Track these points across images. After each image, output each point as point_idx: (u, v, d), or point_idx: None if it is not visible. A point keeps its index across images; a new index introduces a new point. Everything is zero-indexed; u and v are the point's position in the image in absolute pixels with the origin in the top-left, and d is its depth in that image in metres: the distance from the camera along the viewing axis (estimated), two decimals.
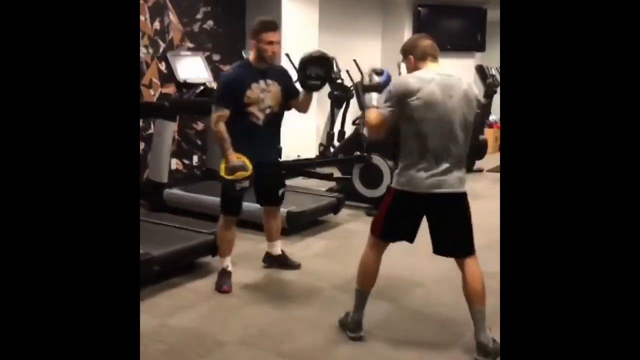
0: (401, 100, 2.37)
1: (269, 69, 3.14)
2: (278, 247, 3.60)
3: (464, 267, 2.49)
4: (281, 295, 3.25)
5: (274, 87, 3.15)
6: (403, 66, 2.57)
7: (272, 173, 3.34)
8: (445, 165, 2.38)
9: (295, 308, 3.05)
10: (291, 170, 6.17)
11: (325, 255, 3.96)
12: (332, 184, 5.60)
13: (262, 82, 3.10)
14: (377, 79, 2.62)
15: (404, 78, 2.44)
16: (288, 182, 6.18)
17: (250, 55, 3.18)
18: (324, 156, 5.88)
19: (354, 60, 6.24)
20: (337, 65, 6.40)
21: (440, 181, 2.38)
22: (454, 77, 2.44)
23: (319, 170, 5.91)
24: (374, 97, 2.59)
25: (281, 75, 3.22)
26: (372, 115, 2.48)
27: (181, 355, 2.51)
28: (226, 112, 3.02)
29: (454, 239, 2.50)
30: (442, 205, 2.44)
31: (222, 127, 3.01)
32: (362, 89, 2.66)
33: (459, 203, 2.47)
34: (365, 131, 2.66)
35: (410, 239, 2.55)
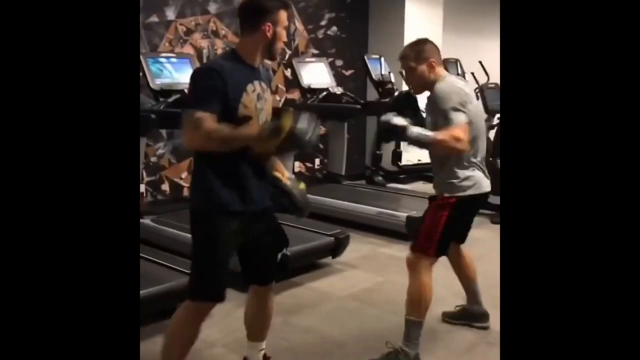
0: (466, 106, 2.29)
1: (257, 67, 2.02)
2: (261, 352, 2.25)
3: (463, 251, 2.75)
4: (401, 301, 3.20)
5: (268, 94, 2.04)
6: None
7: (268, 227, 2.08)
8: (484, 164, 2.47)
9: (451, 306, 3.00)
10: (412, 175, 6.11)
11: (446, 261, 3.85)
12: None
13: (257, 83, 1.96)
14: (399, 122, 2.33)
15: (456, 85, 2.36)
16: (408, 186, 6.19)
17: (240, 45, 2.02)
18: None
19: (480, 62, 6.02)
20: (461, 67, 6.23)
21: (487, 178, 2.46)
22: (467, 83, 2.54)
23: None
24: (415, 130, 2.33)
25: (268, 78, 2.11)
26: (449, 138, 2.25)
27: (301, 353, 2.57)
28: (213, 116, 1.82)
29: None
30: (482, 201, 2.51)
31: (212, 126, 1.81)
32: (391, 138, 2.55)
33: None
34: (451, 149, 2.31)
35: (463, 239, 2.67)
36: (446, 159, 2.38)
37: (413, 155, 6.16)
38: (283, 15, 1.96)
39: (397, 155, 5.97)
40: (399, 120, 2.30)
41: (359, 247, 4.01)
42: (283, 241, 2.13)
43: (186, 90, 3.85)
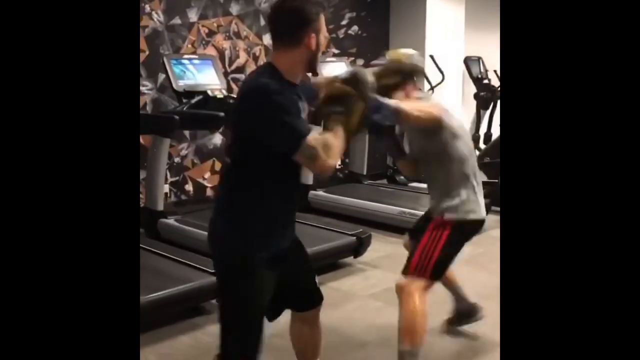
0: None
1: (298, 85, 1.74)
2: None
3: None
4: None
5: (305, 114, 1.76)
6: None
7: (299, 254, 1.91)
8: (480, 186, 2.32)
9: (437, 314, 2.99)
10: None
11: (469, 262, 3.82)
12: None
13: (302, 104, 1.70)
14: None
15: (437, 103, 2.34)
16: None
17: (279, 59, 1.69)
18: None
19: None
20: (483, 65, 6.17)
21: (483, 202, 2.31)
22: None
23: None
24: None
25: (311, 94, 1.81)
26: (433, 109, 2.26)
27: (323, 353, 2.58)
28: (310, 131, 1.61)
29: None
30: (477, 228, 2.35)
31: (324, 141, 1.59)
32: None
33: None
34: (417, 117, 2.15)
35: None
36: (450, 174, 2.25)
37: None
38: (323, 20, 1.68)
39: None
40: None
41: (380, 246, 4.01)
42: (311, 265, 1.98)
43: (209, 92, 3.85)
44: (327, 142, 1.58)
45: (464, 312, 2.73)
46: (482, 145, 5.95)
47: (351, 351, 2.60)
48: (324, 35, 1.70)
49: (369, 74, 1.76)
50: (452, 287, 2.71)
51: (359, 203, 4.65)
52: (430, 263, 2.22)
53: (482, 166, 5.62)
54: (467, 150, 2.25)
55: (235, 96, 3.32)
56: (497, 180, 5.02)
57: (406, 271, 2.26)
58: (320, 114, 1.70)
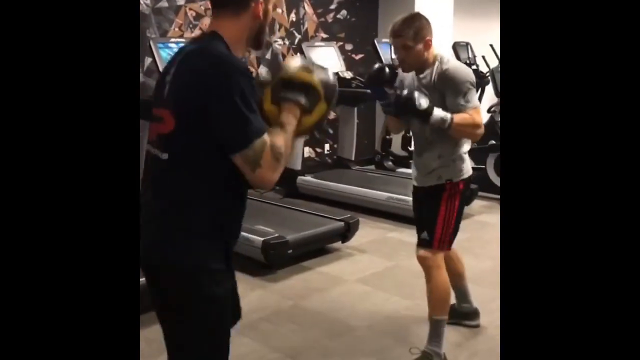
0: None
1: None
2: None
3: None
4: (411, 285, 3.23)
5: None
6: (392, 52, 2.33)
7: None
8: None
9: (425, 298, 3.02)
10: None
11: (457, 247, 3.86)
12: None
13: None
14: (425, 104, 2.14)
15: (464, 66, 2.29)
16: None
17: (224, 28, 1.39)
18: None
19: (490, 45, 5.96)
20: (472, 51, 6.17)
21: None
22: None
23: None
24: (439, 114, 2.17)
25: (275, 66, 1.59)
26: (475, 119, 2.21)
27: (311, 337, 2.60)
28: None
29: None
30: None
31: (278, 142, 1.32)
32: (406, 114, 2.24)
33: None
34: (471, 134, 2.24)
35: None
36: (449, 137, 2.23)
37: None
38: None
39: (406, 140, 5.96)
40: (424, 102, 2.13)
41: (368, 231, 4.03)
42: None
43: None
44: (278, 150, 1.31)
45: (462, 312, 2.71)
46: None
47: (339, 335, 2.62)
48: (272, 4, 1.46)
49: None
50: (459, 285, 2.66)
51: (347, 189, 4.66)
52: (448, 233, 2.31)
53: (470, 152, 5.67)
54: None
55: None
56: (483, 166, 5.06)
57: (428, 245, 2.31)
58: (272, 95, 1.40)
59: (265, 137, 1.30)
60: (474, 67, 5.74)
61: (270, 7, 1.43)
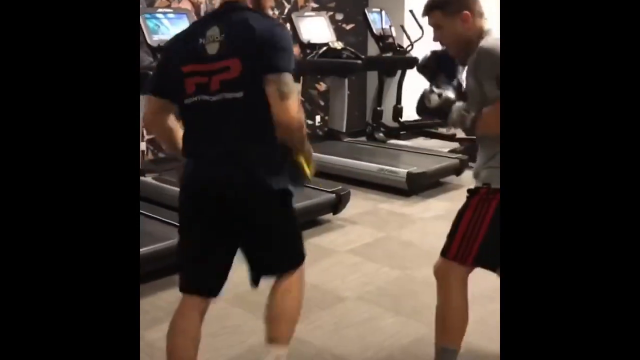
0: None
1: None
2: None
3: None
4: (401, 255, 3.26)
5: None
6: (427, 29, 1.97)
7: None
8: None
9: (415, 268, 3.05)
10: (412, 131, 6.09)
11: (446, 217, 3.86)
12: (456, 145, 5.43)
13: None
14: (436, 99, 1.91)
15: (497, 47, 1.63)
16: (409, 142, 6.16)
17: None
18: None
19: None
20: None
21: None
22: None
23: (441, 130, 5.76)
24: (459, 106, 1.88)
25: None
26: (491, 119, 1.70)
27: (303, 307, 2.63)
28: None
29: None
30: None
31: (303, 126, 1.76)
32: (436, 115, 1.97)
33: None
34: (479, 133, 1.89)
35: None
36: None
37: (414, 112, 6.13)
38: None
39: (398, 112, 5.94)
40: (435, 98, 1.88)
41: (359, 203, 4.05)
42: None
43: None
44: (300, 106, 1.69)
45: None
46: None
47: (330, 305, 2.65)
48: None
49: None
50: None
51: (338, 160, 4.65)
52: (475, 244, 1.84)
53: None
54: None
55: None
56: (474, 137, 5.06)
57: (446, 254, 1.90)
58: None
59: (294, 84, 1.66)
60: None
61: None
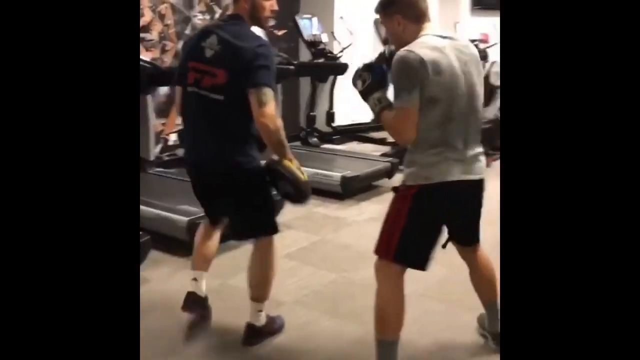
0: (420, 79, 1.81)
1: None
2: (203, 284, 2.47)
3: (476, 256, 2.20)
4: (337, 258, 3.30)
5: None
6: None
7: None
8: (476, 148, 1.98)
9: (351, 270, 3.10)
10: (346, 136, 6.18)
11: (379, 219, 3.91)
12: (387, 148, 5.56)
13: None
14: (369, 77, 2.00)
15: (409, 52, 1.82)
16: (343, 146, 6.26)
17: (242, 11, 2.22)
18: (378, 121, 5.82)
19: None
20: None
21: (471, 167, 1.96)
22: (460, 40, 1.99)
23: (373, 135, 5.88)
24: (380, 96, 1.99)
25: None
26: (391, 118, 1.91)
27: (242, 314, 2.61)
28: None
29: (473, 227, 2.15)
30: (468, 195, 2.01)
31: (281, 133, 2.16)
32: (360, 95, 2.04)
33: (482, 191, 2.06)
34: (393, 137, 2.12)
35: (467, 241, 2.17)
36: (420, 136, 1.91)
37: (346, 116, 6.22)
38: None
39: (330, 117, 6.01)
40: (360, 84, 2.01)
41: (294, 207, 4.05)
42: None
43: None
44: (276, 114, 2.11)
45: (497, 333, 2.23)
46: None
47: (268, 310, 2.64)
48: None
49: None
50: (487, 305, 2.28)
51: None
52: (393, 242, 1.94)
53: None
54: (453, 111, 1.88)
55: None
56: None
57: (375, 251, 2.02)
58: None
59: (272, 94, 2.07)
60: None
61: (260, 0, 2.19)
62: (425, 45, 1.86)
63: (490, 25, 5.90)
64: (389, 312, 2.00)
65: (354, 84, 2.07)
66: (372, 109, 2.02)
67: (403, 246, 1.94)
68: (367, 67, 2.05)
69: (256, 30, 2.25)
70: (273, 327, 2.43)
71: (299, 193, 2.20)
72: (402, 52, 1.86)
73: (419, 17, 1.94)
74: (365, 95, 2.02)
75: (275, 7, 2.24)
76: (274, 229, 2.33)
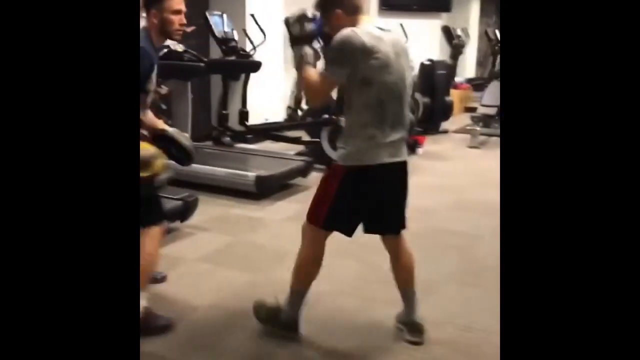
0: (355, 59, 2.00)
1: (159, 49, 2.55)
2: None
3: (399, 244, 2.32)
4: (253, 259, 3.26)
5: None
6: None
7: None
8: (402, 132, 2.15)
9: (268, 270, 3.07)
10: (259, 134, 6.13)
11: (295, 218, 3.96)
12: (301, 147, 5.58)
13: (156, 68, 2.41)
14: (309, 26, 2.18)
15: (353, 33, 2.01)
16: (256, 145, 6.21)
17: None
18: (292, 120, 5.83)
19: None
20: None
21: (397, 150, 2.14)
22: (394, 32, 2.17)
23: (287, 134, 5.88)
24: (308, 52, 2.16)
25: None
26: (313, 78, 2.11)
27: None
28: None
29: (398, 214, 2.29)
30: (394, 176, 2.19)
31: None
32: (291, 40, 2.19)
33: (406, 173, 2.25)
34: (307, 93, 2.27)
35: (384, 229, 2.31)
36: (346, 119, 2.16)
37: (260, 114, 6.18)
38: (170, 2, 2.26)
39: (244, 115, 5.94)
40: (297, 28, 2.15)
41: (208, 209, 3.97)
42: None
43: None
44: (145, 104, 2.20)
45: (405, 322, 2.39)
46: (304, 106, 6.07)
47: (183, 316, 2.56)
48: (170, 13, 2.28)
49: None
50: (403, 292, 2.36)
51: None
52: (322, 211, 2.18)
53: (306, 125, 5.83)
54: (383, 95, 2.05)
55: None
56: (318, 139, 5.24)
57: (306, 216, 2.28)
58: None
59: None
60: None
61: (166, 15, 2.29)
62: (367, 32, 2.05)
63: (397, 25, 6.08)
64: (307, 270, 2.28)
65: (290, 25, 2.18)
66: (296, 60, 2.17)
67: (331, 217, 2.18)
68: (311, 18, 2.19)
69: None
70: (150, 323, 2.33)
71: (187, 155, 2.53)
72: (348, 30, 2.04)
73: (356, 9, 2.14)
74: (297, 41, 2.17)
75: (184, 21, 2.32)
76: (155, 219, 2.39)
